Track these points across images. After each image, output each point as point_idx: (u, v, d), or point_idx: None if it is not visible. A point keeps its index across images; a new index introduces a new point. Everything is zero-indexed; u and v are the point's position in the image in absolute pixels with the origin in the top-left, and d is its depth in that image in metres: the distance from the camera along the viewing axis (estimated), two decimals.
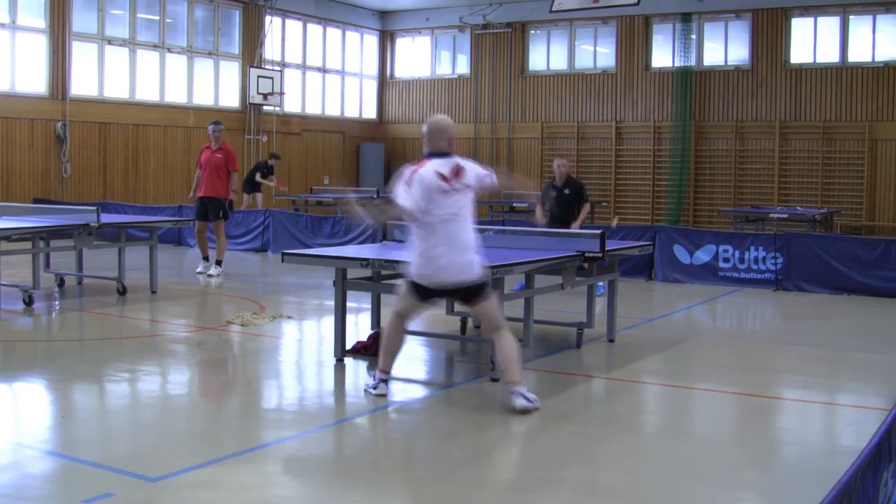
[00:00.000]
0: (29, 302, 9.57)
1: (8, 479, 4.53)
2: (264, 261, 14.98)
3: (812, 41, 21.27)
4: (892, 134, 20.22)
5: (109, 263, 11.59)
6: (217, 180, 12.34)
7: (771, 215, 17.73)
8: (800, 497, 4.52)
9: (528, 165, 23.95)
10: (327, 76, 25.17)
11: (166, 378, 6.98)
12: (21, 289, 9.78)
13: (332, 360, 7.31)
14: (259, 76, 22.24)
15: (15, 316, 9.23)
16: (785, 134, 21.29)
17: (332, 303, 7.59)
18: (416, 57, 26.38)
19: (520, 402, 5.81)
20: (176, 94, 21.15)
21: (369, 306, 8.11)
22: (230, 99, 22.51)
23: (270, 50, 23.26)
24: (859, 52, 20.75)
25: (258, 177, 19.84)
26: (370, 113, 26.61)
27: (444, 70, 26.09)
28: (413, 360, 7.52)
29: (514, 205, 19.46)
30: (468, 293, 6.01)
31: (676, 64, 22.28)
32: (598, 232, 7.70)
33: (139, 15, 20.40)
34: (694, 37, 22.19)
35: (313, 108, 24.85)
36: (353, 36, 25.84)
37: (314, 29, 24.66)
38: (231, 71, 22.51)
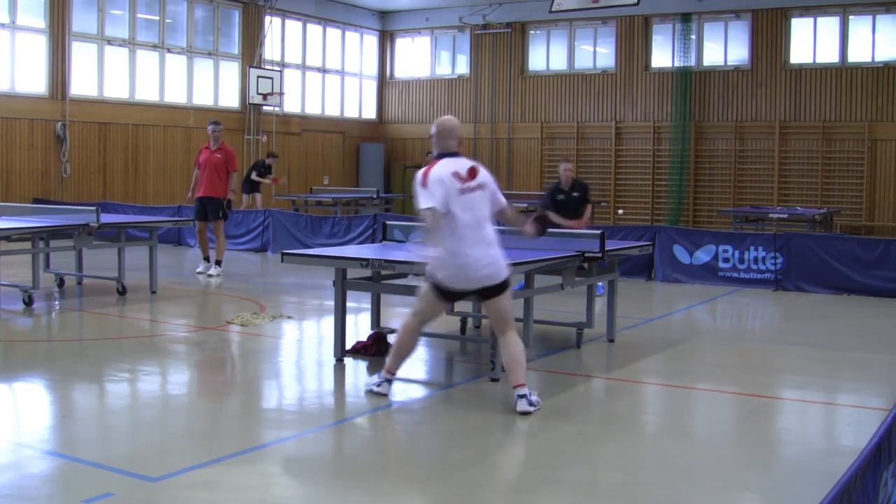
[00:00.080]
0: (29, 302, 9.57)
1: (8, 479, 4.53)
2: (264, 261, 14.98)
3: (812, 41, 21.27)
4: (892, 134, 20.22)
5: (109, 263, 11.59)
6: (217, 180, 12.34)
7: (771, 215, 17.72)
8: (800, 497, 4.52)
9: (528, 165, 23.96)
10: (327, 76, 25.17)
11: (166, 378, 6.98)
12: (21, 289, 9.78)
13: (332, 360, 7.31)
14: (259, 76, 22.24)
15: (15, 316, 9.23)
16: (785, 134, 21.29)
17: (332, 303, 7.59)
18: (416, 57, 26.38)
19: (522, 406, 5.82)
20: (176, 95, 21.15)
21: (369, 306, 8.10)
22: (230, 99, 22.51)
23: (270, 50, 23.26)
24: (859, 53, 20.75)
25: (254, 175, 19.81)
26: (370, 113, 26.61)
27: (443, 70, 26.09)
28: (413, 360, 7.50)
29: (514, 205, 19.44)
30: (489, 290, 6.00)
31: (676, 64, 22.27)
32: (598, 232, 7.70)
33: (139, 15, 20.40)
34: (694, 37, 22.19)
35: (313, 109, 24.85)
36: (352, 36, 25.85)
37: (314, 29, 24.66)
38: (231, 71, 22.51)
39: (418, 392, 6.63)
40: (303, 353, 8.07)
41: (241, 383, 6.99)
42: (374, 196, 20.60)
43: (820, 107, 20.93)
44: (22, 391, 6.54)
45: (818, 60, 21.14)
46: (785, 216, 17.65)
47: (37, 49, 18.44)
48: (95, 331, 8.86)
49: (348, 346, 7.47)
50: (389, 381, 6.27)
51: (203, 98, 21.83)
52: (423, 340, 8.01)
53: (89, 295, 10.60)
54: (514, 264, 6.72)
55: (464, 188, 5.90)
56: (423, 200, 5.85)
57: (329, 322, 8.58)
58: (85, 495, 4.28)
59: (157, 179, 20.63)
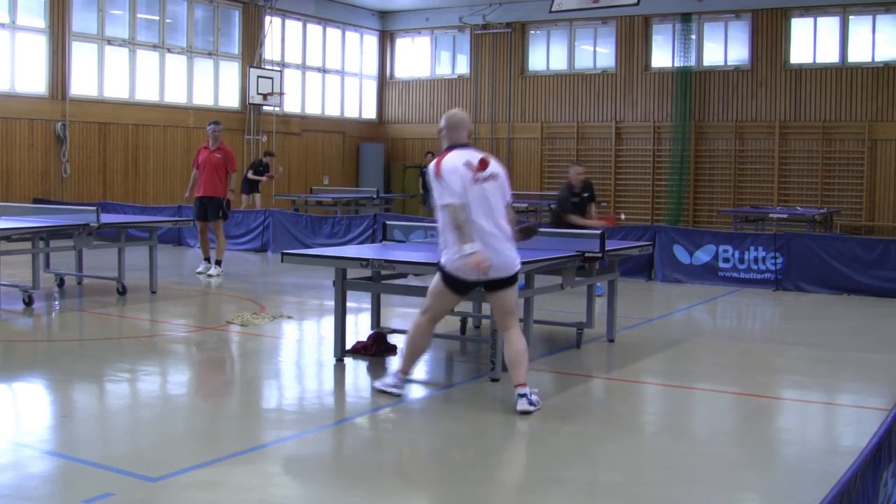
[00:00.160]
0: (29, 302, 9.57)
1: (8, 479, 4.53)
2: (264, 261, 14.98)
3: (812, 41, 21.27)
4: (892, 134, 20.23)
5: (109, 263, 11.59)
6: (216, 180, 12.33)
7: (771, 215, 17.73)
8: (800, 497, 4.52)
9: (528, 166, 23.96)
10: (327, 76, 25.17)
11: (166, 378, 6.98)
12: (21, 289, 9.78)
13: (332, 360, 7.31)
14: (259, 76, 22.25)
15: (15, 316, 9.23)
16: (785, 134, 21.29)
17: (332, 303, 7.59)
18: (416, 57, 26.38)
19: (522, 406, 5.82)
20: (176, 95, 21.15)
21: (369, 306, 8.10)
22: (230, 99, 22.51)
23: (270, 50, 23.26)
24: (859, 53, 20.75)
25: (250, 174, 19.78)
26: (370, 113, 26.61)
27: (443, 70, 26.09)
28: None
29: (514, 205, 19.45)
30: (497, 282, 5.99)
31: (676, 64, 22.28)
32: (598, 232, 7.70)
33: (139, 15, 20.40)
34: (694, 37, 22.19)
35: (313, 109, 24.85)
36: (352, 36, 25.85)
37: (314, 29, 24.66)
38: (231, 71, 22.51)
39: (418, 392, 6.62)
40: (303, 353, 8.07)
41: (241, 383, 6.99)
42: (374, 196, 20.60)
43: (820, 107, 20.93)
44: (22, 391, 6.54)
45: (818, 60, 21.14)
46: (785, 216, 17.65)
47: (37, 49, 18.44)
48: (95, 331, 8.86)
49: (348, 346, 7.47)
50: (405, 382, 6.25)
51: (203, 98, 21.83)
52: None
53: (89, 295, 10.60)
54: None
55: (476, 178, 5.89)
56: (441, 196, 5.83)
57: (329, 322, 8.58)
58: (85, 495, 4.28)
59: (157, 179, 20.64)
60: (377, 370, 7.15)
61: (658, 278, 12.89)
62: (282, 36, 23.73)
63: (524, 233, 6.50)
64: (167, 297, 10.54)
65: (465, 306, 8.31)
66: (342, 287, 7.22)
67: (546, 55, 24.44)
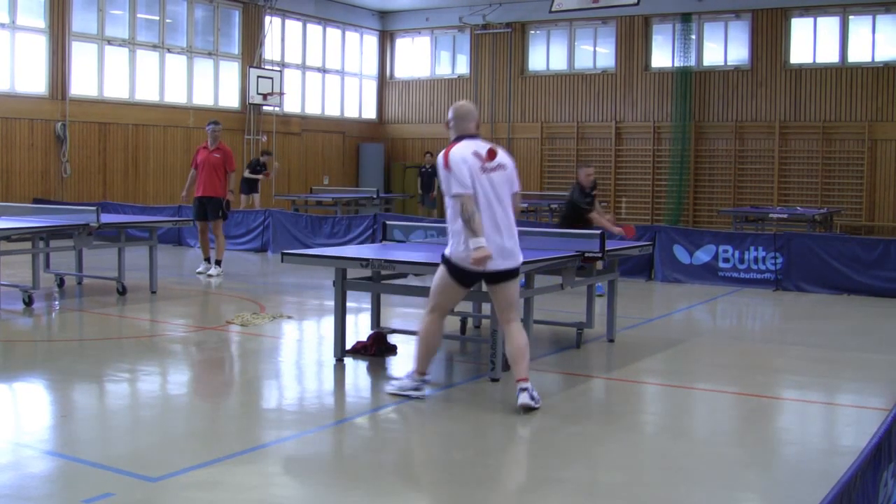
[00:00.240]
0: (29, 302, 9.57)
1: (8, 479, 4.53)
2: (264, 261, 14.98)
3: (812, 41, 21.27)
4: (892, 134, 20.23)
5: (109, 263, 11.59)
6: (216, 180, 12.33)
7: (771, 215, 17.73)
8: (800, 497, 4.52)
9: (528, 166, 23.94)
10: (327, 76, 25.17)
11: (166, 378, 6.98)
12: (21, 289, 9.78)
13: (332, 360, 7.31)
14: (259, 76, 22.25)
15: (15, 316, 9.23)
16: (785, 134, 21.29)
17: (332, 303, 7.59)
18: (416, 57, 26.38)
19: (523, 399, 5.80)
20: (176, 95, 21.15)
21: (369, 306, 8.10)
22: (230, 99, 22.51)
23: (270, 50, 23.26)
24: (859, 53, 20.75)
25: (247, 173, 19.76)
26: (370, 113, 26.61)
27: (443, 70, 26.09)
28: (413, 360, 7.51)
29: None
30: (500, 275, 5.99)
31: (676, 64, 22.28)
32: (598, 232, 7.70)
33: (139, 15, 20.40)
34: (694, 37, 22.19)
35: (313, 109, 24.85)
36: (352, 36, 25.85)
37: (314, 29, 24.66)
38: (231, 71, 22.51)
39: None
40: (303, 353, 8.07)
41: (241, 383, 6.99)
42: (374, 196, 20.60)
43: (820, 107, 20.93)
44: (22, 391, 6.54)
45: (818, 60, 21.14)
46: (785, 216, 17.65)
47: (37, 49, 18.44)
48: (95, 331, 8.86)
49: (348, 346, 7.46)
50: (425, 382, 6.23)
51: (203, 98, 21.83)
52: None
53: (89, 295, 10.60)
54: None
55: (484, 167, 5.90)
56: (450, 186, 5.83)
57: (329, 322, 8.58)
58: (85, 495, 4.28)
59: (157, 179, 20.64)
60: (377, 370, 7.15)
61: (658, 278, 12.89)
62: (282, 36, 23.73)
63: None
64: (167, 297, 10.54)
65: (465, 306, 8.31)
66: (342, 287, 7.22)
67: (546, 55, 24.44)
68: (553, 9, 21.40)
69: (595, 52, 23.85)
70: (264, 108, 22.70)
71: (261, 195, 20.28)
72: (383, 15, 26.21)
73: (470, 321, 8.69)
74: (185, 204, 13.65)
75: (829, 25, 21.09)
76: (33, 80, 18.42)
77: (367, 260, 6.82)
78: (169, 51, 20.97)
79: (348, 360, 7.32)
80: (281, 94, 22.75)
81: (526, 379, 5.88)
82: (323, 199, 20.37)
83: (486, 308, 8.09)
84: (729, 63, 22.12)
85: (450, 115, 6.11)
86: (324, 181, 24.50)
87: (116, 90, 19.95)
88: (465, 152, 5.89)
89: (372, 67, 26.54)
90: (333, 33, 25.25)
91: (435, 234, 12.24)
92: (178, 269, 13.41)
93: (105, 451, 5.04)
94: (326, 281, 9.59)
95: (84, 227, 9.86)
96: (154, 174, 20.58)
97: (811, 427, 6.10)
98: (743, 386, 6.98)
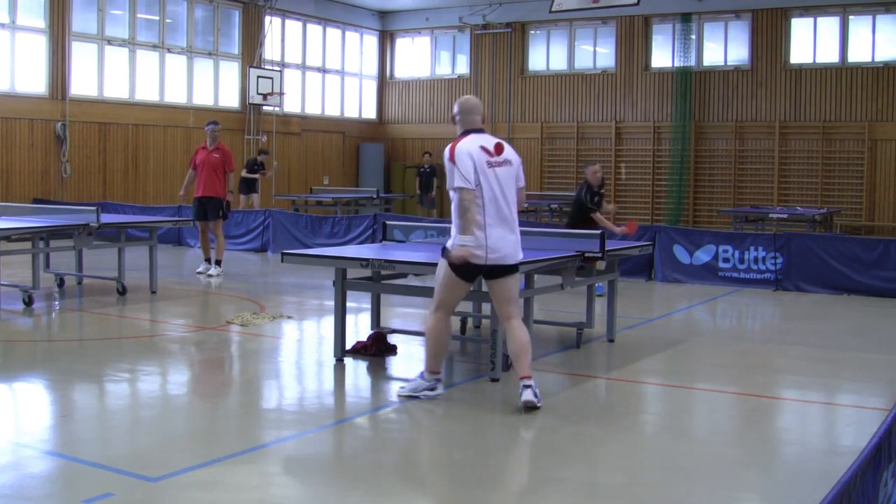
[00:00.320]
0: (29, 302, 9.57)
1: (8, 479, 4.53)
2: (264, 261, 14.98)
3: (812, 41, 21.28)
4: (892, 134, 20.23)
5: (109, 263, 11.59)
6: (215, 180, 12.33)
7: (771, 215, 17.73)
8: (800, 497, 4.52)
9: (528, 166, 23.90)
10: (327, 76, 25.17)
11: (166, 378, 6.98)
12: (21, 289, 9.78)
13: (332, 360, 7.31)
14: (259, 76, 22.25)
15: (15, 316, 9.23)
16: (785, 134, 21.29)
17: (332, 303, 7.59)
18: (416, 57, 26.38)
19: (527, 396, 5.81)
20: (176, 95, 21.16)
21: (369, 306, 8.11)
22: (230, 99, 22.51)
23: (270, 50, 23.26)
24: (859, 53, 20.75)
25: (244, 172, 19.74)
26: (370, 113, 26.61)
27: (443, 70, 26.09)
28: (413, 360, 7.51)
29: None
30: (501, 270, 6.00)
31: (676, 64, 22.28)
32: (598, 232, 7.70)
33: (139, 15, 20.40)
34: (694, 37, 22.19)
35: (313, 109, 24.85)
36: (352, 36, 25.85)
37: (314, 29, 24.66)
38: (231, 71, 22.51)
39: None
40: (303, 353, 8.06)
41: (241, 383, 6.99)
42: (374, 196, 20.60)
43: (820, 107, 20.93)
44: (22, 391, 6.54)
45: (818, 60, 21.14)
46: (785, 216, 17.65)
47: (37, 49, 18.44)
48: (95, 331, 8.86)
49: (348, 346, 7.46)
50: (439, 381, 6.23)
51: (203, 98, 21.83)
52: (422, 340, 8.00)
53: (89, 295, 10.60)
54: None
55: (491, 161, 5.92)
56: (454, 179, 5.84)
57: (329, 322, 8.58)
58: (85, 495, 4.28)
59: (157, 179, 20.64)
60: (377, 370, 7.15)
61: (658, 278, 12.89)
62: (282, 36, 23.73)
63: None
64: (167, 297, 10.54)
65: (465, 306, 8.30)
66: (342, 287, 7.22)
67: (546, 55, 24.44)
68: (553, 9, 21.41)
69: (595, 52, 23.85)
70: (264, 108, 22.71)
71: (260, 195, 20.27)
72: (383, 15, 26.21)
73: (470, 321, 8.69)
74: (182, 203, 13.63)
75: (829, 25, 21.09)
76: (33, 80, 18.42)
77: (367, 260, 6.82)
78: (169, 51, 20.97)
79: (348, 360, 7.32)
80: (281, 94, 22.75)
81: (529, 376, 5.89)
82: (323, 199, 20.37)
83: (486, 308, 8.09)
84: (729, 63, 22.12)
85: (455, 109, 6.15)
86: (324, 181, 24.50)
87: (116, 90, 19.95)
88: (471, 146, 5.91)
89: (372, 67, 26.54)
90: (333, 33, 25.25)
91: (435, 234, 12.25)
92: (178, 269, 13.41)
93: (105, 451, 5.04)
94: (326, 281, 9.59)
95: (84, 227, 9.86)
96: (154, 174, 20.58)
97: (811, 427, 6.10)
98: (743, 386, 6.98)
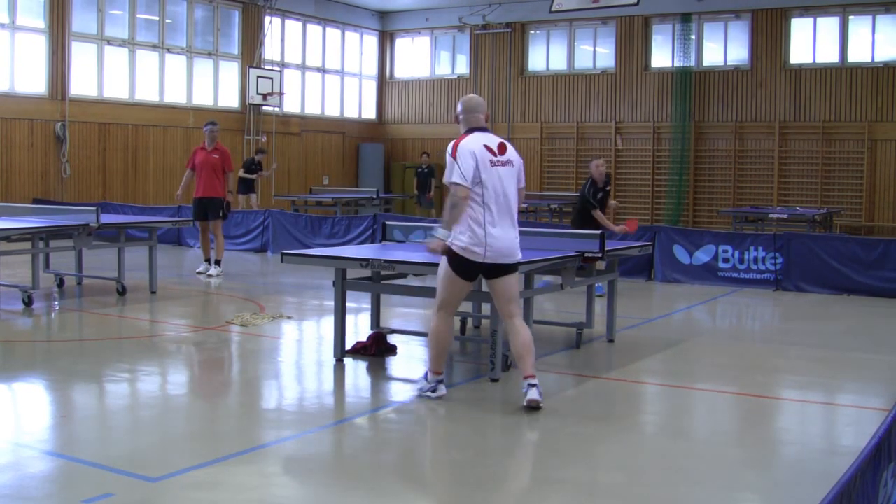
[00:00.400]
0: (28, 302, 9.57)
1: (8, 479, 4.53)
2: (264, 261, 14.98)
3: (812, 41, 21.28)
4: (892, 134, 20.23)
5: (109, 263, 11.59)
6: (215, 180, 12.33)
7: (770, 216, 17.73)
8: (800, 497, 4.52)
9: (528, 166, 23.78)
10: (327, 76, 25.17)
11: (166, 378, 6.98)
12: (21, 289, 9.78)
13: (332, 360, 7.31)
14: (258, 76, 22.25)
15: (15, 316, 9.23)
16: (784, 134, 21.30)
17: (331, 303, 7.59)
18: (416, 57, 26.38)
19: (532, 395, 5.83)
20: (175, 95, 21.15)
21: (369, 306, 8.11)
22: (230, 99, 22.51)
23: (270, 50, 23.26)
24: (859, 53, 20.76)
25: (242, 172, 19.72)
26: (370, 113, 26.61)
27: (443, 70, 26.09)
28: (413, 360, 7.52)
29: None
30: (501, 269, 6.01)
31: (676, 64, 22.28)
32: (598, 232, 7.70)
33: (139, 15, 20.40)
34: (693, 37, 22.19)
35: (313, 109, 24.85)
36: (352, 36, 25.85)
37: (314, 29, 24.66)
38: (230, 71, 22.51)
39: (417, 393, 6.61)
40: (303, 353, 8.06)
41: (240, 383, 6.98)
42: (374, 196, 20.60)
43: (820, 107, 20.93)
44: (22, 391, 6.54)
45: (818, 60, 21.14)
46: (785, 216, 17.65)
47: (37, 49, 18.44)
48: (95, 331, 8.86)
49: (348, 346, 7.46)
50: (441, 382, 6.23)
51: (203, 98, 21.83)
52: (422, 340, 8.02)
53: (89, 295, 10.60)
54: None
55: (494, 160, 5.95)
56: (452, 174, 5.88)
57: (329, 322, 8.58)
58: (85, 495, 4.28)
59: (157, 179, 20.63)
60: (377, 370, 7.15)
61: (658, 278, 12.89)
62: (281, 36, 23.73)
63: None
64: (167, 297, 10.54)
65: (466, 307, 8.30)
66: (342, 287, 7.22)
67: (546, 55, 24.44)
68: (553, 9, 21.40)
69: (595, 52, 23.85)
70: (264, 108, 22.70)
71: (259, 195, 20.25)
72: (383, 15, 26.21)
73: (470, 321, 8.69)
74: (185, 204, 13.63)
75: (828, 25, 21.09)
76: (33, 81, 18.42)
77: (366, 260, 6.83)
78: (169, 51, 20.97)
79: (348, 361, 7.32)
80: (281, 94, 22.75)
81: (534, 375, 5.90)
82: (323, 199, 20.37)
83: (486, 308, 8.09)
84: (729, 63, 22.12)
85: (459, 108, 6.18)
86: (323, 181, 24.50)
87: (116, 90, 19.95)
88: (475, 145, 5.94)
89: (372, 67, 26.54)
90: (333, 33, 25.25)
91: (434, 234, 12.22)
92: (177, 270, 13.41)
93: (105, 451, 5.04)
94: (326, 281, 9.59)
95: (84, 228, 9.86)
96: (154, 174, 20.58)
97: (811, 427, 6.10)
98: (743, 386, 6.98)
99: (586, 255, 7.33)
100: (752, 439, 5.67)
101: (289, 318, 9.31)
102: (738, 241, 12.56)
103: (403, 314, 9.73)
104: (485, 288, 6.33)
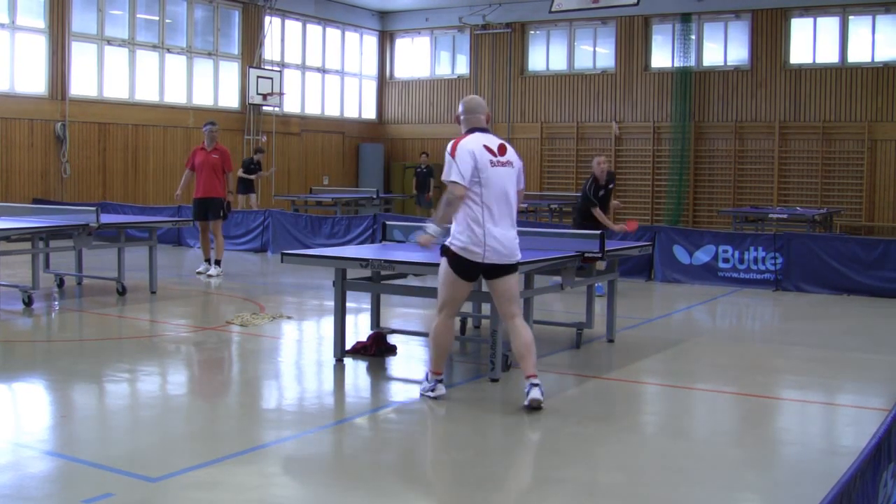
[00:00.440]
0: (28, 302, 9.57)
1: (8, 479, 4.53)
2: (264, 261, 14.98)
3: (812, 41, 21.28)
4: (892, 134, 20.23)
5: (109, 264, 11.59)
6: (215, 181, 12.33)
7: (770, 216, 17.73)
8: (800, 497, 4.52)
9: (528, 166, 23.91)
10: (327, 76, 25.17)
11: (166, 378, 6.98)
12: (21, 289, 9.78)
13: (332, 360, 7.31)
14: (258, 76, 22.25)
15: (15, 316, 9.23)
16: (784, 134, 21.30)
17: (331, 303, 7.59)
18: (416, 57, 26.38)
19: (535, 394, 5.84)
20: (175, 95, 21.16)
21: (369, 306, 8.11)
22: (230, 99, 22.51)
23: (270, 50, 23.26)
24: (859, 53, 20.76)
25: (240, 172, 19.71)
26: (370, 113, 26.61)
27: (443, 70, 26.09)
28: (413, 360, 7.52)
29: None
30: (500, 269, 6.02)
31: (676, 64, 22.28)
32: (598, 232, 7.70)
33: (139, 15, 20.40)
34: (693, 37, 22.19)
35: (313, 109, 24.85)
36: (352, 36, 25.85)
37: (313, 29, 24.66)
38: (230, 71, 22.51)
39: (418, 392, 6.61)
40: (303, 353, 8.06)
41: (240, 383, 6.98)
42: (374, 196, 20.60)
43: (820, 107, 20.94)
44: (22, 391, 6.54)
45: (818, 60, 21.14)
46: (785, 216, 17.65)
47: (37, 49, 18.44)
48: (95, 331, 8.86)
49: (348, 346, 7.46)
50: (441, 382, 6.23)
51: (203, 98, 21.83)
52: (422, 341, 8.03)
53: (89, 295, 10.60)
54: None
55: (494, 161, 5.96)
56: (449, 172, 5.90)
57: (329, 322, 8.58)
58: (85, 495, 4.28)
59: (157, 179, 20.64)
60: (377, 370, 7.15)
61: (658, 278, 12.89)
62: (281, 36, 23.73)
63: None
64: (167, 297, 10.54)
65: (466, 307, 8.30)
66: (342, 287, 7.22)
67: (546, 55, 24.44)
68: (553, 9, 21.40)
69: (595, 52, 23.85)
70: (264, 108, 22.70)
71: (259, 195, 20.24)
72: (383, 15, 26.21)
73: (470, 321, 8.69)
74: (185, 204, 13.62)
75: (828, 25, 21.10)
76: (33, 81, 18.42)
77: (366, 260, 6.83)
78: (169, 51, 20.97)
79: (348, 361, 7.32)
80: (281, 94, 22.75)
81: (536, 375, 5.91)
82: (323, 199, 20.37)
83: (486, 308, 8.09)
84: (729, 63, 22.12)
85: (460, 109, 6.20)
86: (323, 181, 24.50)
87: (116, 90, 19.96)
88: (474, 145, 5.95)
89: (372, 67, 26.54)
90: (333, 33, 25.25)
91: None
92: (177, 270, 13.41)
93: (105, 451, 5.04)
94: (326, 281, 9.59)
95: (84, 228, 9.85)
96: (154, 174, 20.58)
97: (811, 427, 6.09)
98: (743, 386, 6.98)
99: (586, 255, 7.33)
100: (752, 439, 5.66)
101: (289, 318, 9.31)
102: (738, 242, 12.57)
103: (403, 314, 9.73)
104: (485, 288, 6.34)
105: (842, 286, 11.85)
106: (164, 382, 6.85)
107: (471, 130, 6.09)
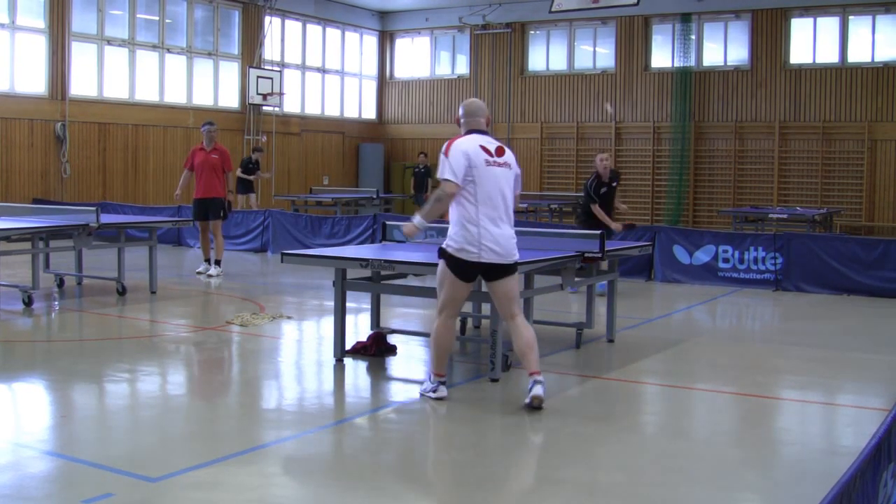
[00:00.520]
0: (28, 302, 9.57)
1: (8, 479, 4.53)
2: (264, 261, 14.98)
3: (812, 41, 21.28)
4: (892, 134, 20.23)
5: (109, 264, 11.59)
6: (215, 181, 12.33)
7: (770, 216, 17.73)
8: (800, 497, 4.52)
9: (528, 166, 23.94)
10: (327, 76, 25.17)
11: (166, 378, 6.98)
12: (21, 289, 9.78)
13: (332, 360, 7.31)
14: (258, 76, 22.25)
15: (15, 316, 9.23)
16: (784, 134, 21.30)
17: (331, 303, 7.59)
18: (416, 57, 26.38)
19: (538, 390, 5.85)
20: (175, 95, 21.16)
21: (369, 306, 8.11)
22: (230, 99, 22.52)
23: (270, 50, 23.26)
24: (859, 53, 20.76)
25: (239, 171, 19.67)
26: (370, 113, 26.62)
27: (443, 70, 26.09)
28: (413, 360, 7.52)
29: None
30: (501, 270, 6.02)
31: (676, 64, 22.28)
32: (598, 232, 7.70)
33: (139, 15, 20.40)
34: (693, 37, 22.20)
35: (313, 109, 24.85)
36: (352, 36, 25.85)
37: (313, 29, 24.66)
38: (230, 71, 22.51)
39: (418, 392, 6.61)
40: (303, 353, 8.06)
41: (240, 383, 6.98)
42: (374, 196, 20.60)
43: (820, 107, 20.94)
44: (22, 391, 6.54)
45: (818, 60, 21.15)
46: (785, 216, 17.65)
47: (37, 49, 18.44)
48: (95, 331, 8.86)
49: (348, 346, 7.47)
50: (443, 383, 6.23)
51: (203, 98, 21.84)
52: (422, 341, 8.03)
53: (89, 295, 10.60)
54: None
55: (490, 160, 5.96)
56: (443, 171, 5.92)
57: (329, 322, 8.58)
58: (85, 495, 4.28)
59: (157, 179, 20.64)
60: (377, 370, 7.16)
61: (658, 278, 12.89)
62: (281, 36, 23.73)
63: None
64: (167, 298, 10.54)
65: (466, 307, 8.29)
66: (342, 287, 7.22)
67: (546, 55, 24.45)
68: (553, 9, 21.40)
69: (595, 52, 23.86)
70: (264, 108, 22.70)
71: (259, 195, 20.24)
72: (383, 15, 26.21)
73: (470, 321, 8.69)
74: (185, 204, 13.62)
75: (828, 25, 21.10)
76: (33, 81, 18.42)
77: (366, 260, 6.83)
78: (169, 51, 20.97)
79: (348, 361, 7.32)
80: (280, 94, 22.75)
81: (539, 372, 5.92)
82: (323, 199, 20.37)
83: (486, 308, 8.09)
84: (729, 63, 22.12)
85: (460, 112, 6.22)
86: (323, 181, 24.51)
87: (116, 90, 19.96)
88: (469, 145, 5.96)
89: (372, 67, 26.54)
90: (333, 33, 25.26)
91: (434, 234, 12.23)
92: (177, 270, 13.41)
93: (105, 451, 5.04)
94: (326, 281, 9.59)
95: (84, 228, 9.86)
96: (154, 174, 20.59)
97: (811, 427, 6.10)
98: (743, 386, 6.98)
99: (586, 255, 7.33)
100: (752, 439, 5.66)
101: (289, 318, 9.31)
102: (738, 242, 12.57)
103: (403, 314, 9.73)
104: (484, 288, 6.34)
105: (842, 286, 11.85)
106: (164, 382, 6.85)
107: (469, 132, 6.09)
